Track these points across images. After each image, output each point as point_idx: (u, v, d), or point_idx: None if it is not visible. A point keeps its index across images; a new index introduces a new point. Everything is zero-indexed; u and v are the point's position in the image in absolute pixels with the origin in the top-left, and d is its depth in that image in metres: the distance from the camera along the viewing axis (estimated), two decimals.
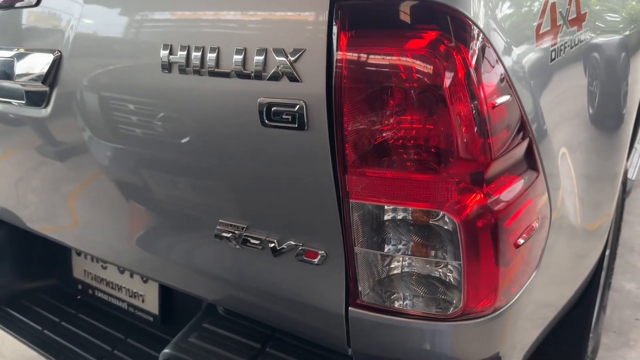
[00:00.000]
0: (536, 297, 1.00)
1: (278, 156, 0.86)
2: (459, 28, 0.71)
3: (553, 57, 0.91)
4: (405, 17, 0.72)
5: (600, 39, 1.17)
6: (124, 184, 1.12)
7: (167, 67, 0.90)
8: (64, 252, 1.72)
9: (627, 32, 1.44)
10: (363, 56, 0.74)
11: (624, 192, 1.99)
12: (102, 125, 1.06)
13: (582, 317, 1.52)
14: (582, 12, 1.07)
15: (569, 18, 0.99)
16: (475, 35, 0.72)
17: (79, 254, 1.70)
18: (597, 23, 1.16)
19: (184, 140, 0.95)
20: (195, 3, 0.88)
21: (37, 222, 1.41)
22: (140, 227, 1.17)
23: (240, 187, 0.94)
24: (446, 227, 0.79)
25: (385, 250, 0.84)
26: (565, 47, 0.97)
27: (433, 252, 0.82)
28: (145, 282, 1.53)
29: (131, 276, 1.56)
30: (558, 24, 0.93)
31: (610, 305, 2.28)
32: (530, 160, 0.86)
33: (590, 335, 1.61)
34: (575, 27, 1.02)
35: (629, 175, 2.21)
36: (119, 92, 1.00)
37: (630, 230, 2.99)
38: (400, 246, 0.84)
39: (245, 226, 0.96)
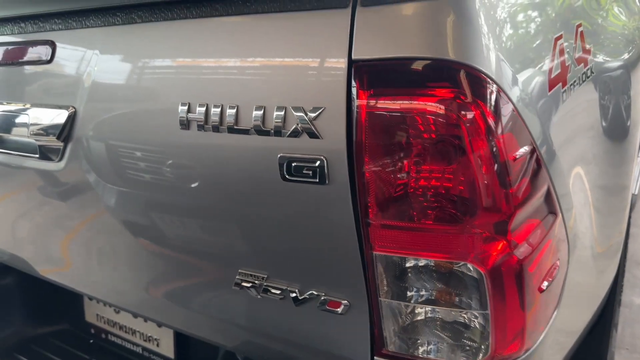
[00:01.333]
0: (559, 328, 1.01)
1: (299, 209, 0.87)
2: (474, 83, 0.72)
3: (564, 98, 0.93)
4: (421, 74, 0.73)
5: (604, 68, 1.20)
6: (139, 234, 1.13)
7: (186, 124, 0.91)
8: (75, 296, 1.71)
9: (626, 55, 1.47)
10: (382, 113, 0.76)
11: (631, 208, 2.01)
12: (117, 179, 1.07)
13: (600, 336, 1.52)
14: (587, 47, 1.09)
15: (576, 56, 1.01)
16: (491, 89, 0.73)
17: (91, 298, 1.69)
18: (600, 54, 1.19)
19: (203, 194, 0.96)
20: (214, 61, 0.90)
21: (50, 271, 1.41)
22: (156, 276, 1.17)
23: (260, 239, 0.95)
24: (470, 275, 0.80)
25: (410, 299, 0.84)
26: (574, 86, 0.98)
27: (458, 299, 0.83)
28: (160, 326, 1.52)
29: (145, 320, 1.55)
30: (567, 64, 0.95)
31: (621, 321, 2.28)
32: (549, 203, 0.87)
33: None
34: (582, 64, 1.04)
35: (633, 190, 2.23)
36: (135, 147, 1.01)
37: (636, 244, 3.00)
38: (424, 294, 0.84)
39: (266, 276, 0.97)
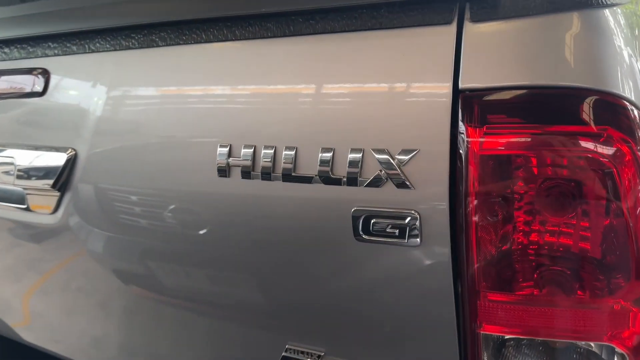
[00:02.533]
0: None
1: (376, 275, 0.69)
2: (618, 114, 0.57)
3: None
4: (550, 106, 0.58)
5: None
6: (154, 303, 0.93)
7: (226, 170, 0.73)
8: None
9: None
10: (499, 155, 0.59)
11: None
12: (129, 238, 0.87)
13: None
14: None
15: None
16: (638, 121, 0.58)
17: None
18: None
19: (245, 255, 0.77)
20: (262, 90, 0.72)
21: (40, 338, 1.19)
22: (178, 349, 0.97)
23: (317, 307, 0.76)
24: (604, 356, 0.63)
25: None
26: None
27: None
28: None
29: None
30: None
31: None
32: None
33: None
34: None
35: None
36: (154, 200, 0.82)
37: None
38: None
39: (322, 353, 0.78)
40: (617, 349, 0.61)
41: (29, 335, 1.20)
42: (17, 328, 1.19)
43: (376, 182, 0.64)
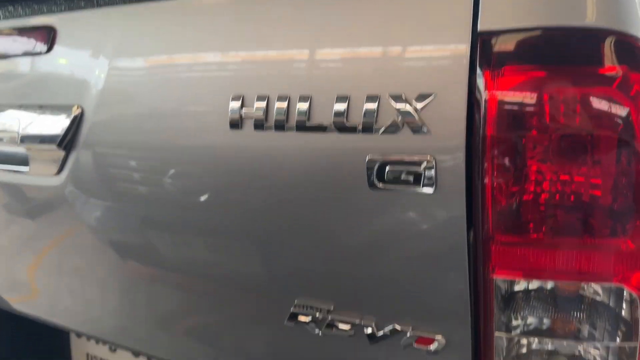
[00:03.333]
0: None
1: (389, 223, 0.69)
2: (638, 57, 0.58)
3: None
4: (574, 49, 0.58)
5: None
6: (162, 263, 0.92)
7: (238, 122, 0.73)
8: (59, 332, 1.47)
9: None
10: (519, 99, 0.60)
11: None
12: (138, 195, 0.87)
13: None
14: None
15: None
16: None
17: (79, 335, 1.46)
18: None
19: (256, 207, 0.77)
20: (276, 39, 0.72)
21: (29, 303, 1.18)
22: (174, 305, 0.97)
23: (329, 260, 0.77)
24: (614, 302, 0.65)
25: (534, 331, 0.68)
26: None
27: (594, 330, 0.67)
28: None
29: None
30: None
31: None
32: None
33: None
34: None
35: None
36: (166, 155, 0.81)
37: None
38: (551, 325, 0.68)
39: (332, 307, 0.79)
40: (627, 290, 0.62)
41: (32, 305, 1.19)
42: (20, 297, 1.19)
43: (392, 129, 0.64)
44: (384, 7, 0.65)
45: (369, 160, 0.67)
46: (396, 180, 0.66)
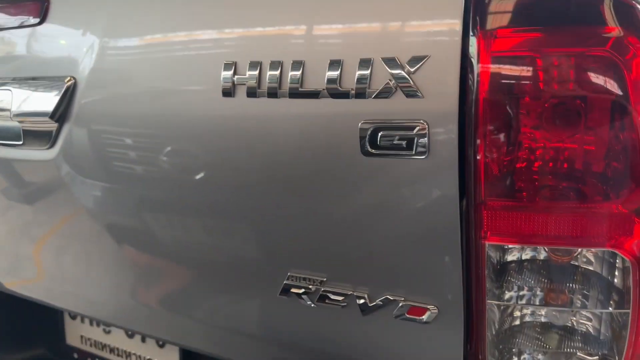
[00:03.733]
0: None
1: (382, 190, 0.69)
2: (635, 18, 0.57)
3: None
4: (569, 10, 0.58)
5: None
6: (147, 232, 0.92)
7: (231, 89, 0.73)
8: (53, 315, 1.47)
9: None
10: (512, 61, 0.59)
11: None
12: (132, 167, 0.87)
13: None
14: None
15: None
16: None
17: (73, 317, 1.45)
18: None
19: (249, 176, 0.77)
20: (265, 5, 0.72)
21: (23, 283, 1.18)
22: (165, 282, 0.97)
23: (321, 231, 0.76)
24: (610, 266, 0.64)
25: (526, 301, 0.68)
26: None
27: (587, 300, 0.67)
28: (161, 346, 1.30)
29: (143, 340, 1.32)
30: None
31: None
32: None
33: None
34: None
35: None
36: (159, 124, 0.81)
37: None
38: (543, 294, 0.68)
39: (324, 279, 0.78)
40: (620, 256, 0.62)
41: (25, 285, 1.19)
42: (12, 277, 1.18)
43: (385, 93, 0.64)
44: None
45: (362, 127, 0.66)
46: (389, 146, 0.65)
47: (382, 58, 0.64)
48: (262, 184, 0.77)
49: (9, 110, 0.95)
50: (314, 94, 0.68)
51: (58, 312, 1.43)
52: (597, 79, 0.58)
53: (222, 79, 0.73)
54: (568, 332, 0.70)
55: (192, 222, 0.87)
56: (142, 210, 0.91)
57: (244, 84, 0.72)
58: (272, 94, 0.70)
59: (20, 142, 0.98)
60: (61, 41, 0.88)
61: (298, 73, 0.68)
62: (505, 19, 0.60)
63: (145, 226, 0.92)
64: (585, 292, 0.66)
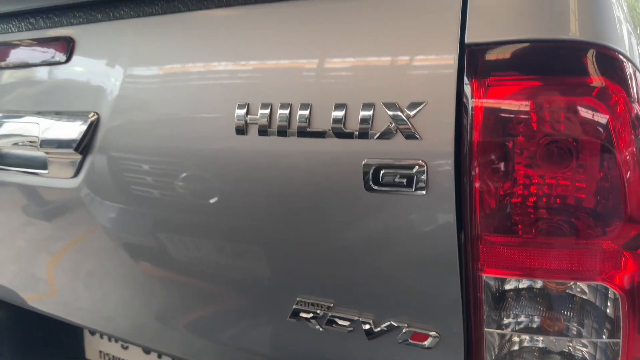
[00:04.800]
0: None
1: (384, 223, 0.73)
2: (612, 66, 0.61)
3: None
4: (552, 60, 0.62)
5: None
6: (165, 256, 0.97)
7: (244, 128, 0.78)
8: (73, 330, 1.52)
9: None
10: (503, 107, 0.64)
11: None
12: (149, 196, 0.92)
13: None
14: None
15: None
16: (630, 71, 0.62)
17: (92, 332, 1.51)
18: None
19: (260, 208, 0.82)
20: (278, 52, 0.77)
21: (43, 300, 1.23)
22: (183, 303, 1.01)
23: (328, 259, 0.81)
24: (602, 297, 0.68)
25: (523, 329, 0.72)
26: None
27: (579, 327, 0.70)
28: None
29: (159, 357, 1.38)
30: None
31: None
32: None
33: None
34: None
35: None
36: (175, 159, 0.86)
37: None
38: (537, 322, 0.71)
39: (332, 304, 0.83)
40: (611, 289, 0.66)
41: (53, 305, 1.24)
42: (39, 297, 1.24)
43: (386, 135, 0.69)
44: (378, 20, 0.70)
45: (365, 164, 0.71)
46: (390, 183, 0.70)
47: (383, 103, 0.68)
48: (273, 215, 0.81)
49: (36, 141, 1.01)
50: (321, 134, 0.73)
51: (78, 328, 1.49)
52: (584, 123, 0.62)
53: (235, 117, 0.78)
54: (565, 357, 0.73)
55: (207, 249, 0.92)
56: (159, 234, 0.96)
57: (256, 123, 0.77)
58: (282, 132, 0.75)
59: (46, 171, 1.04)
60: (85, 78, 0.94)
61: (306, 114, 0.73)
62: (496, 67, 0.64)
63: (161, 250, 0.97)
64: (580, 320, 0.69)
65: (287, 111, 0.74)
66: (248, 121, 0.77)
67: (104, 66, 0.92)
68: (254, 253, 0.87)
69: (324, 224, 0.78)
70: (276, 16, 0.78)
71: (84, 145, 0.95)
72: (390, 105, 0.68)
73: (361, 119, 0.70)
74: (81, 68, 0.94)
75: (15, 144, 1.06)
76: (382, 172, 0.70)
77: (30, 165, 1.07)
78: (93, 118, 0.93)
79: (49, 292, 1.23)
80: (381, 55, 0.69)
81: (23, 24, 1.03)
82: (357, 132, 0.70)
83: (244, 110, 0.77)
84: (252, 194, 0.81)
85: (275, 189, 0.79)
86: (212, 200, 0.85)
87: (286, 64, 0.76)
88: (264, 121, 0.76)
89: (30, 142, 1.02)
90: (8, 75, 1.06)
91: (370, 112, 0.69)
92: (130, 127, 0.90)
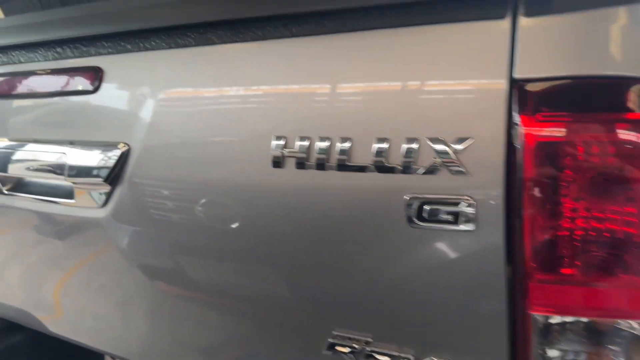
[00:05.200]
0: None
1: (427, 259, 0.72)
2: None
3: None
4: (604, 96, 0.61)
5: None
6: (203, 294, 0.96)
7: (280, 161, 0.76)
8: (95, 357, 1.51)
9: None
10: (553, 142, 0.62)
11: None
12: (181, 230, 0.91)
13: None
14: None
15: None
16: None
17: (114, 358, 1.49)
18: None
19: (296, 241, 0.80)
20: (317, 84, 0.76)
21: (86, 333, 1.22)
22: (216, 332, 1.00)
23: (367, 294, 0.79)
24: None
25: None
26: None
27: None
28: None
29: None
30: None
31: None
32: None
33: None
34: None
35: None
36: (208, 192, 0.85)
37: None
38: (587, 357, 0.70)
39: (370, 339, 0.81)
40: None
41: (76, 331, 1.23)
42: (61, 323, 1.23)
43: (431, 170, 0.67)
44: (427, 57, 0.69)
45: (408, 200, 0.69)
46: (435, 219, 0.68)
47: (428, 137, 0.67)
48: (310, 249, 0.80)
49: (62, 170, 1.00)
50: (361, 168, 0.71)
51: (99, 356, 1.47)
52: (633, 157, 0.61)
53: (272, 150, 0.77)
54: None
55: (242, 279, 0.90)
56: (190, 267, 0.95)
57: (294, 156, 0.76)
58: (321, 166, 0.74)
59: (72, 201, 1.03)
60: (115, 108, 0.93)
61: (346, 147, 0.72)
62: (546, 102, 0.63)
63: (192, 283, 0.96)
64: (630, 357, 0.67)
65: (326, 144, 0.73)
66: (285, 154, 0.76)
67: (135, 97, 0.91)
68: (291, 285, 0.85)
69: (364, 258, 0.76)
70: (316, 48, 0.76)
71: (113, 176, 0.94)
72: (436, 140, 0.66)
73: (404, 153, 0.68)
74: (110, 98, 0.93)
75: (41, 172, 1.05)
76: (426, 208, 0.68)
77: (56, 194, 1.07)
78: (124, 149, 0.91)
79: (78, 320, 1.22)
80: (427, 87, 0.68)
81: (50, 53, 1.02)
82: (400, 167, 0.69)
83: (281, 143, 0.76)
84: (291, 228, 0.80)
85: (314, 223, 0.77)
86: (246, 233, 0.84)
87: (326, 97, 0.74)
88: (302, 154, 0.75)
89: (57, 171, 1.01)
90: (34, 104, 1.05)
91: (414, 146, 0.68)
92: (162, 158, 0.88)
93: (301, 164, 0.75)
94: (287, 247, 0.81)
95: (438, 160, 0.67)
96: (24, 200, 1.13)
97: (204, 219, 0.87)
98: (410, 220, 0.70)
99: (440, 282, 0.72)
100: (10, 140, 1.10)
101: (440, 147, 0.66)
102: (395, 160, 0.69)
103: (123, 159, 0.92)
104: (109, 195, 0.97)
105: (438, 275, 0.72)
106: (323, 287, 0.82)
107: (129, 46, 0.90)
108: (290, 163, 0.76)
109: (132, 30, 0.89)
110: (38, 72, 1.05)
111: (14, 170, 1.11)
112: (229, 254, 0.88)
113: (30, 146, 1.08)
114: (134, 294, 1.07)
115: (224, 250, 0.88)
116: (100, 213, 0.99)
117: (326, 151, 0.73)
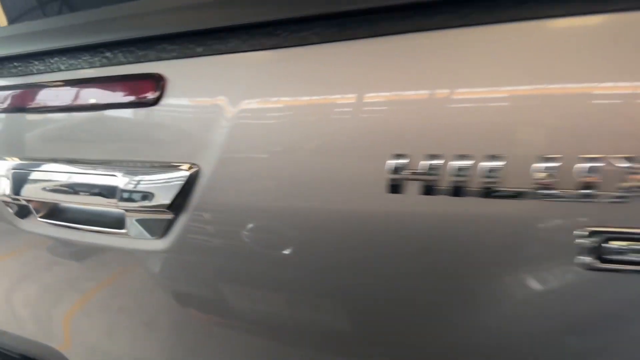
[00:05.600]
0: None
1: (608, 312, 0.56)
2: None
3: None
4: None
5: None
6: (282, 335, 0.80)
7: (398, 185, 0.61)
8: None
9: None
10: None
11: None
12: (260, 267, 0.75)
13: None
14: None
15: None
16: None
17: None
18: None
19: (423, 288, 0.65)
20: (453, 83, 0.60)
21: None
22: None
23: (522, 347, 0.63)
24: None
25: None
26: None
27: None
28: None
29: None
30: None
31: None
32: None
33: None
34: None
35: None
36: (299, 223, 0.70)
37: None
38: None
39: None
40: None
41: None
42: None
43: (621, 197, 0.51)
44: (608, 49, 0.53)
45: (583, 235, 0.53)
46: (625, 259, 0.52)
47: (614, 156, 0.51)
48: (442, 296, 0.64)
49: (114, 195, 0.85)
50: (515, 195, 0.56)
51: None
52: None
53: (386, 171, 0.61)
54: None
55: (336, 322, 0.74)
56: (265, 308, 0.79)
57: (418, 179, 0.60)
58: (456, 192, 0.58)
59: (124, 230, 0.88)
60: (180, 124, 0.78)
61: (496, 167, 0.56)
62: None
63: (269, 326, 0.81)
64: None
65: (466, 163, 0.57)
66: (405, 176, 0.61)
67: (206, 109, 0.75)
68: (411, 337, 0.70)
69: (523, 309, 0.60)
70: (464, 39, 0.61)
71: (177, 203, 0.79)
72: (629, 158, 0.51)
73: (579, 176, 0.53)
74: (174, 111, 0.78)
75: (84, 197, 0.90)
76: (612, 245, 0.53)
77: (101, 223, 0.92)
78: (192, 171, 0.76)
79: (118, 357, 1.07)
80: (608, 97, 0.53)
81: (97, 58, 0.88)
82: (572, 193, 0.53)
83: (400, 162, 0.61)
84: (409, 271, 0.64)
85: (446, 264, 0.62)
86: (351, 278, 0.68)
87: (465, 104, 0.59)
88: (431, 177, 0.59)
89: (105, 196, 0.86)
90: (79, 119, 0.90)
91: (596, 166, 0.52)
92: (239, 183, 0.73)
93: (428, 189, 0.60)
94: (408, 294, 0.66)
95: (631, 183, 0.51)
96: (61, 229, 0.98)
97: (293, 258, 0.72)
98: (588, 261, 0.54)
99: (622, 336, 0.56)
100: (44, 160, 0.96)
101: (634, 165, 0.50)
102: (567, 185, 0.53)
103: (191, 182, 0.77)
104: (169, 225, 0.82)
105: (622, 329, 0.56)
106: (453, 340, 0.66)
107: (199, 49, 0.75)
108: (413, 188, 0.61)
109: (204, 30, 0.74)
110: (81, 81, 0.90)
111: (47, 194, 0.96)
112: (327, 301, 0.72)
113: (68, 167, 0.93)
114: (187, 331, 0.91)
115: (322, 296, 0.72)
116: (158, 245, 0.84)
117: (466, 172, 0.57)
